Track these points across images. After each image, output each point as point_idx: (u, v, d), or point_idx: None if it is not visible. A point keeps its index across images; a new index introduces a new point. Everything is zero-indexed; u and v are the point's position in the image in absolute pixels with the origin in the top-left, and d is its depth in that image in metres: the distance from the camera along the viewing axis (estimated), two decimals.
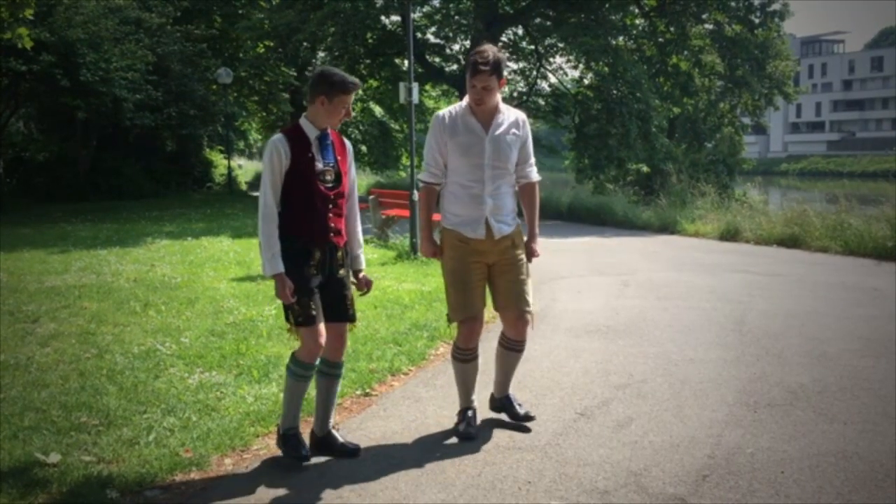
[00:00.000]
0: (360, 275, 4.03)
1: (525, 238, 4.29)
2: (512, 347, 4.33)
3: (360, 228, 4.09)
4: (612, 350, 6.03)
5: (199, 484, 3.63)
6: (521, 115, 4.23)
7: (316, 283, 3.80)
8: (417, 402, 4.82)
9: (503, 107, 4.15)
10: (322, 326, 3.82)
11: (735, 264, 10.66)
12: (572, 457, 3.91)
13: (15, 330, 6.37)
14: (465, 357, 4.26)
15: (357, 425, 4.40)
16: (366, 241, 12.97)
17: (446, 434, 4.27)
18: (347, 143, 3.99)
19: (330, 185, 3.80)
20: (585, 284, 9.05)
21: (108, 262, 10.20)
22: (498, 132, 4.09)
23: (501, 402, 4.46)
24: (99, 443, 3.98)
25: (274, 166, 3.71)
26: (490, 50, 4.00)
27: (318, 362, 3.89)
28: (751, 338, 6.37)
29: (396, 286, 8.52)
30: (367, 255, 11.05)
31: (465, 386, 4.32)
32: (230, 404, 4.59)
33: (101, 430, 4.16)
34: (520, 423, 4.36)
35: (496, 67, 3.96)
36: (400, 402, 4.82)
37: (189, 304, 7.45)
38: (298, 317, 3.76)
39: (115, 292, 7.99)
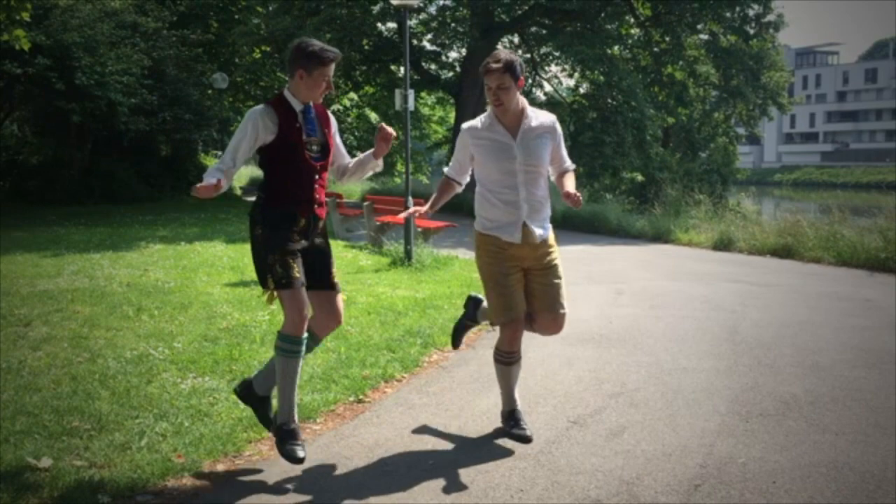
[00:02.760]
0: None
1: (563, 193, 4.14)
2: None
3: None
4: (606, 359, 6.04)
5: (191, 490, 3.62)
6: (550, 118, 4.21)
7: (299, 247, 3.77)
8: (411, 409, 4.82)
9: (530, 110, 4.14)
10: (305, 296, 3.71)
11: (728, 274, 10.69)
12: (565, 465, 3.91)
13: (7, 333, 6.35)
14: (508, 360, 4.25)
15: (350, 432, 4.39)
16: (360, 248, 13.05)
17: (439, 441, 4.27)
18: (331, 115, 3.96)
19: (316, 155, 3.79)
20: (579, 293, 9.06)
21: (102, 266, 10.17)
22: (526, 135, 4.08)
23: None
24: (91, 447, 3.97)
25: (248, 133, 3.64)
26: (503, 52, 4.03)
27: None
28: (744, 347, 6.39)
29: (390, 293, 8.52)
30: (362, 262, 11.10)
31: (509, 388, 4.32)
32: (223, 410, 4.58)
33: (92, 434, 4.15)
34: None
35: (508, 66, 3.94)
36: (393, 408, 4.82)
37: (182, 308, 7.43)
38: (281, 279, 3.66)
39: (108, 296, 7.97)
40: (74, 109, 19.04)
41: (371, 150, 4.08)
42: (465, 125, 4.21)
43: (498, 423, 4.45)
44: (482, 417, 4.62)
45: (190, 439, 4.11)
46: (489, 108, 4.15)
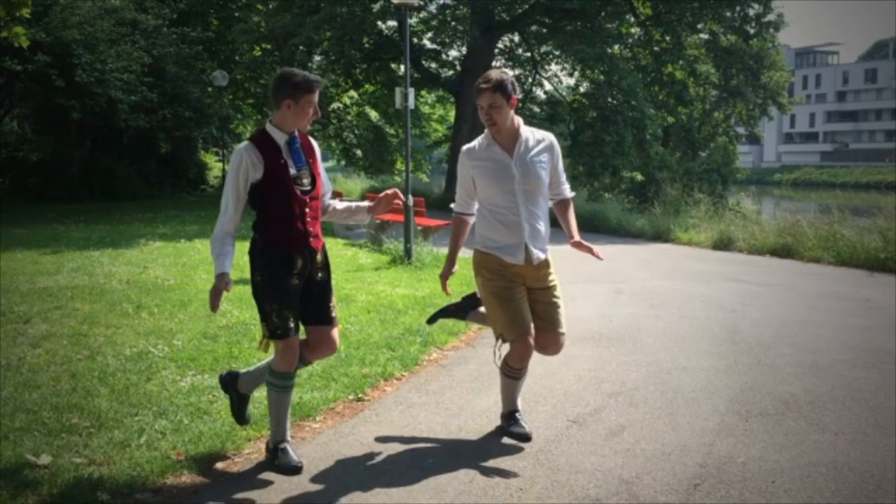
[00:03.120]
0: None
1: (571, 242, 4.25)
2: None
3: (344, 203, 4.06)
4: (605, 358, 6.03)
5: (191, 487, 3.62)
6: (548, 136, 4.19)
7: (297, 294, 3.76)
8: (410, 407, 4.82)
9: (526, 129, 4.12)
10: (298, 343, 3.80)
11: (728, 273, 10.69)
12: (564, 464, 3.91)
13: (6, 331, 6.35)
14: (516, 375, 4.25)
15: (349, 430, 4.39)
16: (360, 246, 13.04)
17: (439, 440, 4.27)
18: (314, 142, 3.92)
19: (307, 188, 3.75)
20: (579, 292, 9.06)
21: (101, 263, 10.16)
22: (523, 155, 4.05)
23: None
24: (90, 445, 3.97)
25: (240, 176, 3.63)
26: (494, 72, 4.03)
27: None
28: (743, 347, 6.39)
29: (390, 291, 8.51)
30: (362, 260, 11.10)
31: (511, 394, 4.33)
32: (222, 408, 4.57)
33: (92, 431, 4.15)
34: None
35: (499, 85, 3.94)
36: (392, 407, 4.82)
37: (182, 306, 7.43)
38: (277, 329, 3.71)
39: (108, 294, 7.97)
40: (74, 106, 19.02)
41: (367, 203, 4.05)
42: (463, 148, 4.20)
43: (498, 422, 4.45)
44: (482, 416, 4.62)
45: (189, 437, 4.11)
46: (486, 130, 4.12)
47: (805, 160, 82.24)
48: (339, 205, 4.05)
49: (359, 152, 30.08)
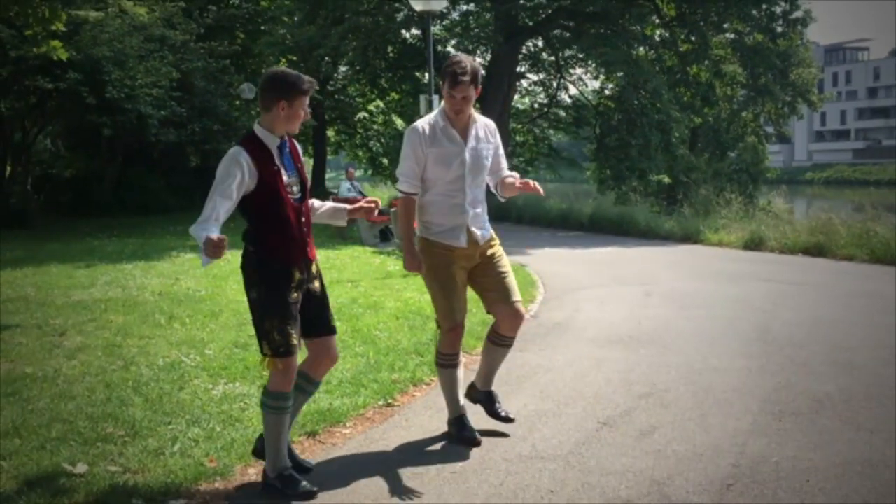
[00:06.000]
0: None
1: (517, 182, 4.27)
2: (502, 343, 4.34)
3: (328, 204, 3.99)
4: (635, 359, 6.00)
5: (223, 493, 3.65)
6: (490, 123, 4.30)
7: (297, 307, 3.59)
8: (439, 412, 4.81)
9: (475, 115, 4.21)
10: (297, 361, 3.63)
11: (759, 273, 10.57)
12: (595, 466, 3.89)
13: (42, 343, 6.45)
14: (451, 362, 4.29)
15: (379, 435, 4.41)
16: (388, 253, 13.09)
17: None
18: (297, 145, 3.78)
19: (297, 196, 3.62)
20: (608, 294, 9.01)
21: (134, 276, 10.30)
22: (476, 142, 4.15)
23: (484, 395, 4.48)
24: (125, 453, 4.02)
25: (229, 179, 3.41)
26: (467, 60, 4.03)
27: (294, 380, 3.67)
28: (775, 347, 6.32)
29: (419, 297, 8.53)
30: (390, 268, 11.14)
31: (452, 393, 4.35)
32: (253, 415, 4.61)
33: (126, 440, 4.20)
34: (498, 420, 4.41)
35: (475, 77, 4.01)
36: (422, 412, 4.83)
37: (213, 316, 7.50)
38: (280, 347, 3.51)
39: (141, 305, 8.07)
40: (106, 123, 19.29)
41: (347, 206, 3.96)
42: (416, 125, 4.14)
43: (527, 424, 4.44)
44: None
45: (222, 444, 4.15)
46: (439, 111, 4.14)
47: (837, 158, 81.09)
48: (318, 204, 3.92)
49: (385, 161, 30.21)
